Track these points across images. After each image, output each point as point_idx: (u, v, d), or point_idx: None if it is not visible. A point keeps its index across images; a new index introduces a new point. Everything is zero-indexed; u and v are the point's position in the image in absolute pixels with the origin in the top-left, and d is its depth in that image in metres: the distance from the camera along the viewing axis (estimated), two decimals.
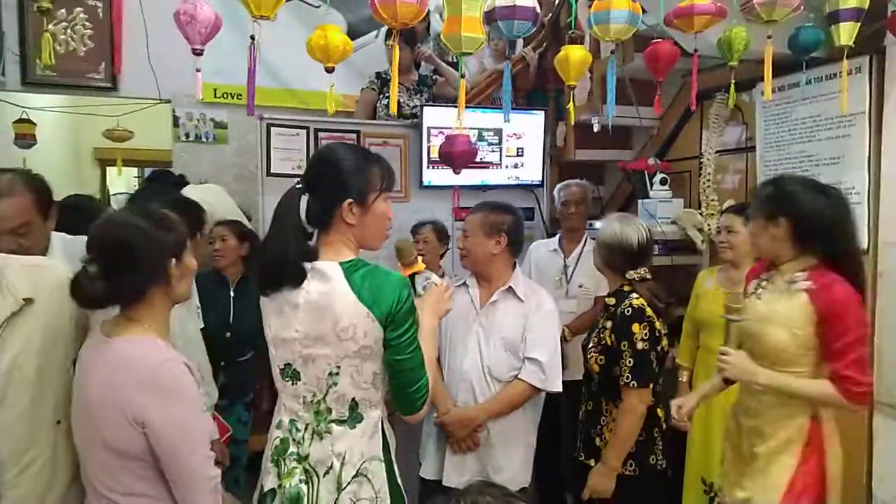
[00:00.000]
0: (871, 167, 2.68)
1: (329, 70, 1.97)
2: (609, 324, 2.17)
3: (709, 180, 3.40)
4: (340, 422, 1.55)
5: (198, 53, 1.76)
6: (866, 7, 2.20)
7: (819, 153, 2.89)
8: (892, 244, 2.64)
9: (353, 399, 1.55)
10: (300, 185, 1.56)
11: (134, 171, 6.73)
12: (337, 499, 1.53)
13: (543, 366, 2.18)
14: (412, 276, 1.73)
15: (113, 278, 1.34)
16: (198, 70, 1.79)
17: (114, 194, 6.28)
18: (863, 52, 2.60)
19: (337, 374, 1.53)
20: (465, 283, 2.35)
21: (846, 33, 2.23)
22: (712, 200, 3.37)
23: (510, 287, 2.25)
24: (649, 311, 2.13)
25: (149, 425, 1.31)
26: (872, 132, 2.68)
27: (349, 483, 1.53)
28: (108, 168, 6.56)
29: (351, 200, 1.54)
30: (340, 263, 1.53)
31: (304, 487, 1.54)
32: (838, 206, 1.87)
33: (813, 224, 1.84)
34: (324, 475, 1.54)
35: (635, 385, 2.08)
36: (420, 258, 1.82)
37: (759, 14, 2.06)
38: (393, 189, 1.65)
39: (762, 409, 1.94)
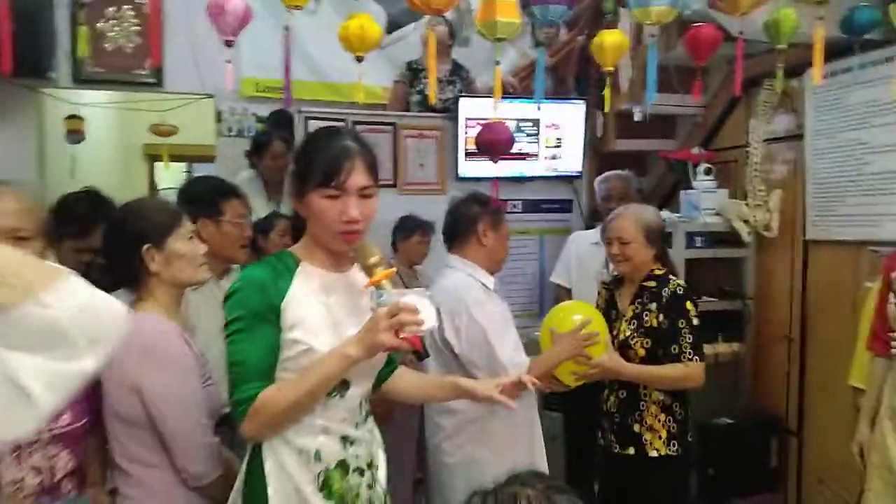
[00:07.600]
0: None
1: (359, 59, 1.97)
2: (654, 305, 2.16)
3: (756, 170, 3.30)
4: None
5: (229, 45, 1.78)
6: None
7: (873, 141, 2.76)
8: None
9: None
10: None
11: (182, 166, 6.86)
12: None
13: None
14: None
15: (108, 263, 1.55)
16: (228, 61, 1.82)
17: (161, 189, 6.43)
18: None
19: None
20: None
21: None
22: (759, 191, 3.26)
23: None
24: None
25: (141, 391, 1.43)
26: None
27: None
28: (156, 164, 6.71)
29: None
30: None
31: None
32: None
33: None
34: None
35: (697, 360, 2.11)
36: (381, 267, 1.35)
37: None
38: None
39: None
